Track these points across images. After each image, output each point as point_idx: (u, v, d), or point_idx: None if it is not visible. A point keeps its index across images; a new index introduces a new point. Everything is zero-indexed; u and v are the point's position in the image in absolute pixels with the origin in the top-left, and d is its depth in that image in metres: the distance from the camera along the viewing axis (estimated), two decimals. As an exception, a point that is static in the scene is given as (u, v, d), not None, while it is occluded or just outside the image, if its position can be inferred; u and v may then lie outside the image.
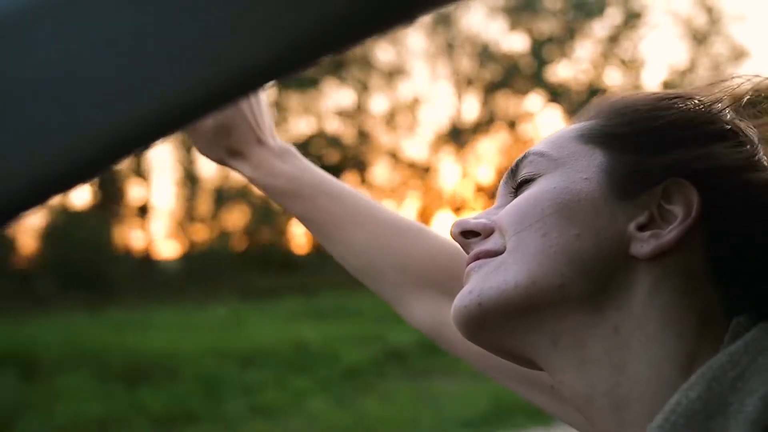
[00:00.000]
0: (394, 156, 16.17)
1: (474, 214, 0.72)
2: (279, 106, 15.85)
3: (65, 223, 14.16)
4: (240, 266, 14.20)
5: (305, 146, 15.71)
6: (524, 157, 0.70)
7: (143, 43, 0.30)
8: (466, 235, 0.70)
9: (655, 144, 0.66)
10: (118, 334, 8.09)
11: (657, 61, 19.43)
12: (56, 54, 0.30)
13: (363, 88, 15.81)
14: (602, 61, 17.01)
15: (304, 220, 0.99)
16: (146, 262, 15.03)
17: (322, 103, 16.15)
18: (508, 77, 16.37)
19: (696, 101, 0.69)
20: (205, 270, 13.86)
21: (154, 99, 0.31)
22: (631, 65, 17.20)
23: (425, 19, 15.53)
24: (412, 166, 16.20)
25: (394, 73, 16.10)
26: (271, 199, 1.01)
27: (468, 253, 0.70)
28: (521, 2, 16.26)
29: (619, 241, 0.63)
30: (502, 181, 0.73)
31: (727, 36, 17.25)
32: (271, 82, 0.33)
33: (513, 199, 0.69)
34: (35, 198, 0.33)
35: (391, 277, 0.94)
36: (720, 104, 0.68)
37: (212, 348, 7.47)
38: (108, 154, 0.32)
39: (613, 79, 17.12)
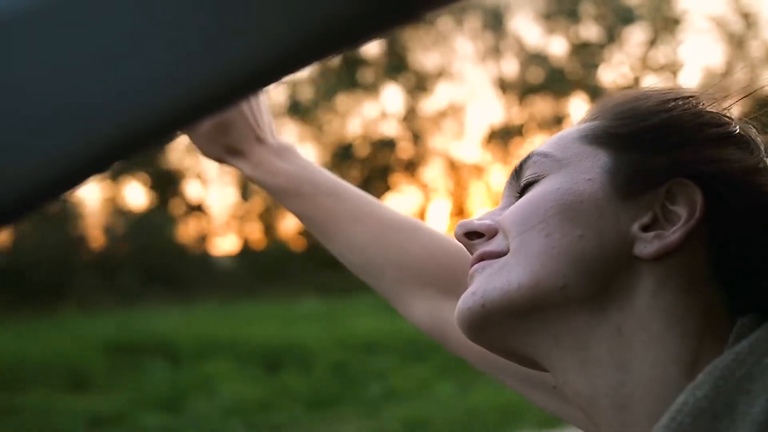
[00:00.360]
0: (442, 157, 16.63)
1: (478, 215, 0.73)
2: (333, 108, 16.30)
3: (133, 222, 14.62)
4: (301, 264, 14.58)
5: (354, 147, 16.17)
6: (528, 157, 0.71)
7: (145, 45, 0.30)
8: (470, 236, 0.71)
9: (658, 144, 0.66)
10: (238, 325, 8.55)
11: (694, 64, 19.85)
12: (55, 56, 0.30)
13: (414, 91, 16.24)
14: (641, 65, 17.48)
15: (303, 219, 0.99)
16: (210, 259, 15.47)
17: (375, 106, 16.59)
18: (550, 80, 16.82)
19: (702, 102, 0.69)
20: (270, 267, 14.29)
21: (156, 100, 0.31)
22: (670, 69, 17.66)
23: (473, 23, 15.88)
24: (459, 166, 16.65)
25: (441, 76, 16.56)
26: (272, 197, 1.01)
27: (472, 254, 0.70)
28: (562, 7, 16.72)
29: (622, 241, 0.64)
30: (506, 182, 0.73)
31: (763, 40, 17.72)
32: (273, 84, 0.33)
33: (517, 200, 0.70)
34: (36, 199, 0.33)
35: (391, 274, 0.93)
36: (727, 105, 0.69)
37: (332, 337, 7.92)
38: (109, 156, 0.32)
39: (652, 82, 17.57)
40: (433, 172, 16.70)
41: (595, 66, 17.22)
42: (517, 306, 0.64)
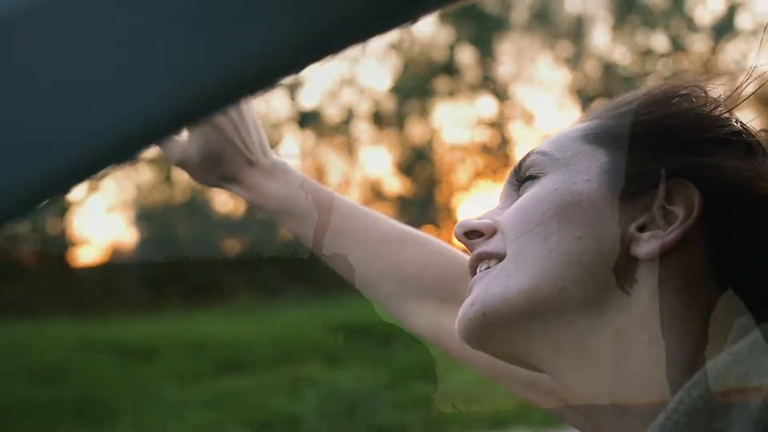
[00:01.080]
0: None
1: (478, 215, 0.73)
2: (417, 115, 17.13)
3: (239, 221, 15.39)
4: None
5: (438, 153, 17.02)
6: (527, 156, 0.71)
7: (146, 45, 0.31)
8: (470, 235, 0.71)
9: (657, 144, 0.66)
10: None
11: (750, 71, 20.73)
12: (55, 57, 0.31)
13: (500, 97, 17.11)
14: (705, 72, 18.33)
15: (299, 237, 1.00)
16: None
17: (461, 112, 17.44)
18: (621, 87, 17.73)
19: (702, 99, 0.69)
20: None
21: (155, 100, 0.31)
22: (730, 77, 18.53)
23: (553, 32, 16.76)
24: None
25: (523, 83, 17.45)
26: (270, 218, 1.01)
27: (472, 253, 0.71)
28: (633, 18, 17.65)
29: (620, 242, 0.64)
30: (505, 182, 0.73)
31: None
32: (271, 88, 0.33)
33: (516, 200, 0.70)
34: (34, 198, 0.33)
35: (386, 287, 0.95)
36: (727, 103, 0.69)
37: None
38: (108, 155, 0.33)
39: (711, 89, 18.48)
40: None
41: (662, 74, 18.14)
42: (518, 311, 0.65)
